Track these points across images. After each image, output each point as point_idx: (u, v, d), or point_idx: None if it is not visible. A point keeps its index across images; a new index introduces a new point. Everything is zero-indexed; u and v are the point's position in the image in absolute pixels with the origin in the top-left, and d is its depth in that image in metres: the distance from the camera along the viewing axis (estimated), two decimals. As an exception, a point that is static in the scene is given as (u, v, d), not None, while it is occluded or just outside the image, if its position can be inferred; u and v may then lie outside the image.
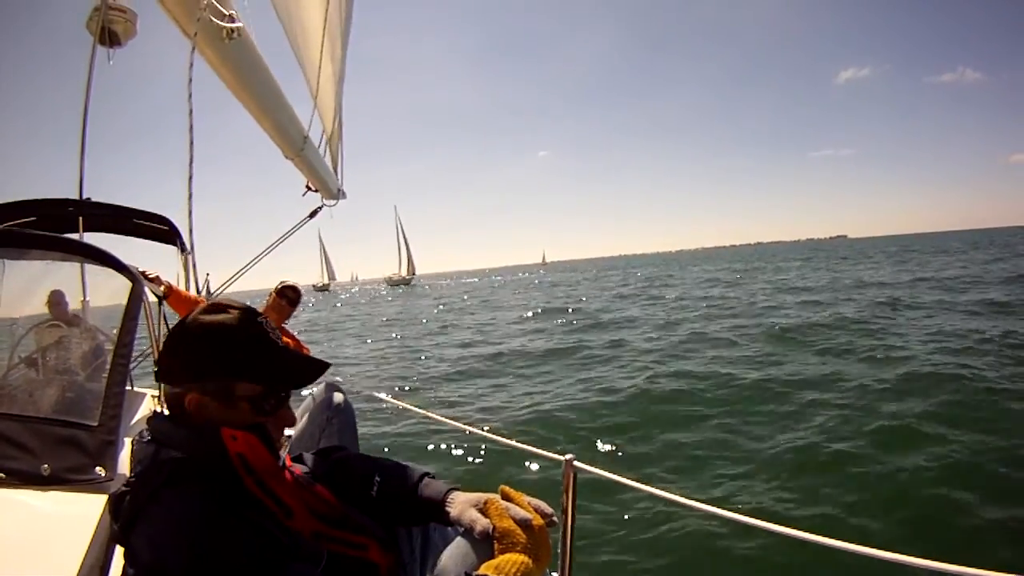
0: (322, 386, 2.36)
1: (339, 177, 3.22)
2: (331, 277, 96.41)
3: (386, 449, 5.09)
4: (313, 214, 3.31)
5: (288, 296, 2.91)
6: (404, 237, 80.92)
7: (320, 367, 0.99)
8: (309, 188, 3.01)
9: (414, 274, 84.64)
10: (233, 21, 1.58)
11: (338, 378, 2.71)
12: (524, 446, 2.04)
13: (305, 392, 2.39)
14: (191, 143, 1.27)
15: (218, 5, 1.48)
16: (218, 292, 3.40)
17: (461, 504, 1.01)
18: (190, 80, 1.28)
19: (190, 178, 1.29)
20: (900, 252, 45.65)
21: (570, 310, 17.58)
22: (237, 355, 0.89)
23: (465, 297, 33.25)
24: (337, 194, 3.24)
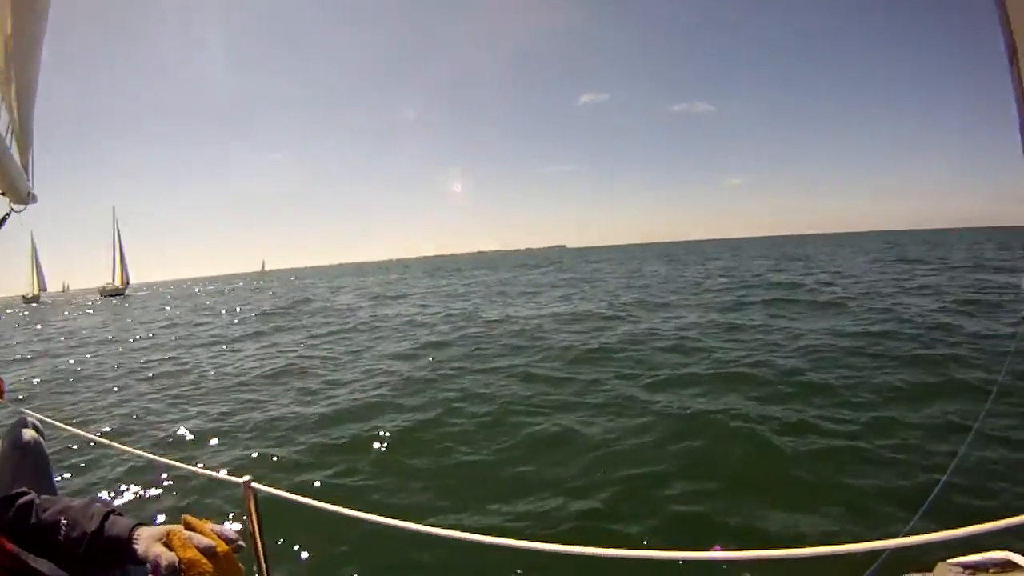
0: (13, 422, 2.03)
1: (30, 178, 2.66)
2: (42, 287, 75.42)
3: (82, 488, 4.45)
4: (1, 223, 2.71)
5: None
6: (120, 243, 66.05)
7: None
8: (-7, 190, 2.44)
9: (128, 283, 70.97)
10: None
11: (30, 412, 2.36)
12: (200, 470, 2.03)
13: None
14: None
15: None
16: None
17: (146, 540, 0.98)
18: None
19: None
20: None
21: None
22: None
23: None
24: (27, 198, 2.67)
